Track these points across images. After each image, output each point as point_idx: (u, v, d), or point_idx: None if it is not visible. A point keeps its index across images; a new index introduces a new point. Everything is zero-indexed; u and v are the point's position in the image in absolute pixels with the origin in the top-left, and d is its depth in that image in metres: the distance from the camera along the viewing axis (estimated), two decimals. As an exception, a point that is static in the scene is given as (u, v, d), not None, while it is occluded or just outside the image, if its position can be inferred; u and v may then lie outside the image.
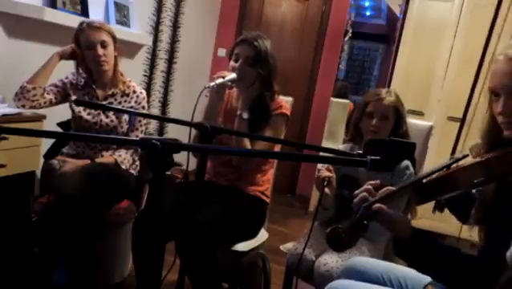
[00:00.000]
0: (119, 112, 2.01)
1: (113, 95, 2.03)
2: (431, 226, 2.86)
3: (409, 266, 1.08)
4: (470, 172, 0.93)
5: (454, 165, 0.99)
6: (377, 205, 1.02)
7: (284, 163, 3.46)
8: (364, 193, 1.06)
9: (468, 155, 0.98)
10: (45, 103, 1.93)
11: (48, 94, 1.95)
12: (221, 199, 1.70)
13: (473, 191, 1.17)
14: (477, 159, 0.95)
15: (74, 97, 1.98)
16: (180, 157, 0.98)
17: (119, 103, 2.03)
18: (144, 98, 2.08)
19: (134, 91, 2.06)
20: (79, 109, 2.00)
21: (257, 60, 1.73)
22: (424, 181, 1.03)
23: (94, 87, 2.02)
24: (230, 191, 1.78)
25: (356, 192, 1.09)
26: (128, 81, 2.08)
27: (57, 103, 2.00)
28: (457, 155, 0.99)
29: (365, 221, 1.02)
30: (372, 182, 1.09)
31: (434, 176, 1.00)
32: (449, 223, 3.09)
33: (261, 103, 1.77)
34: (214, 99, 1.74)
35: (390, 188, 1.06)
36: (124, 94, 2.04)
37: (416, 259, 1.05)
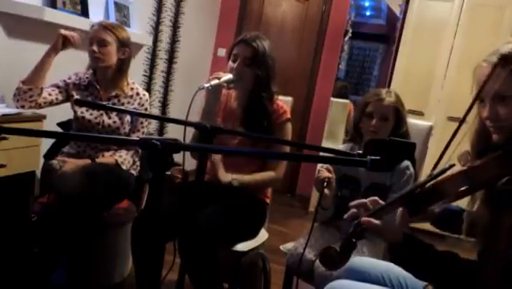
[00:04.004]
0: (120, 113, 2.01)
1: (116, 96, 2.03)
2: (431, 227, 2.85)
3: (408, 271, 1.07)
4: (454, 182, 0.93)
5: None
6: (364, 218, 1.02)
7: (284, 163, 3.45)
8: (354, 210, 1.08)
9: (454, 165, 0.98)
10: (45, 103, 1.93)
11: (50, 95, 1.95)
12: (221, 199, 1.70)
13: (456, 207, 1.20)
14: (462, 168, 0.95)
15: (76, 97, 1.98)
16: (180, 157, 0.98)
17: (123, 104, 2.03)
18: (146, 100, 2.08)
19: (137, 93, 2.06)
20: (82, 110, 2.00)
21: (255, 61, 1.72)
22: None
23: (98, 87, 2.02)
24: (230, 191, 1.78)
25: (350, 204, 1.09)
26: (132, 83, 2.08)
27: (58, 104, 2.00)
28: (444, 166, 0.98)
29: (354, 240, 1.04)
30: (371, 198, 1.09)
31: (422, 186, 1.00)
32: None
33: (258, 104, 1.77)
34: (210, 100, 1.74)
35: (380, 202, 1.07)
36: (127, 96, 2.04)
37: (411, 264, 1.04)
